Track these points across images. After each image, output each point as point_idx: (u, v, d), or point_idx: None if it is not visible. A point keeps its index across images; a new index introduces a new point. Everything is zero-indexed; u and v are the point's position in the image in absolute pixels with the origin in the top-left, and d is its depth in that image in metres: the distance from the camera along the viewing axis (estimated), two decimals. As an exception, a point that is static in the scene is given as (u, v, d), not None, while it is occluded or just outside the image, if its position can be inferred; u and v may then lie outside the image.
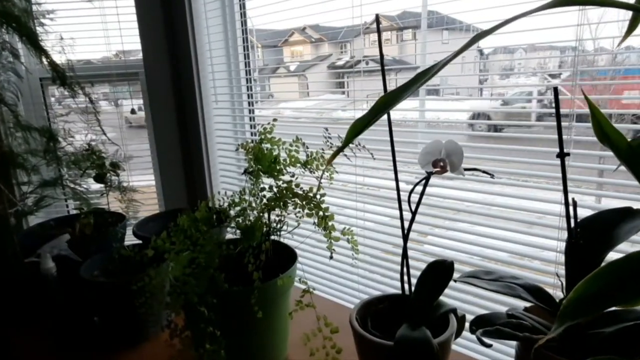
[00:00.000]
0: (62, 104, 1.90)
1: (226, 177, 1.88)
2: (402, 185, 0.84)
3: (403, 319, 0.78)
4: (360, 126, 0.43)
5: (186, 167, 1.90)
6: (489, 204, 1.19)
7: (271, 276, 0.92)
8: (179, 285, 0.84)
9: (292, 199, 0.90)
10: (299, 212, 0.89)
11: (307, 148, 1.02)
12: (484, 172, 0.78)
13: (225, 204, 1.07)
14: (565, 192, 0.66)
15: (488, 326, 0.64)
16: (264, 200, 0.97)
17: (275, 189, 0.97)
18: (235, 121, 1.84)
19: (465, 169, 0.75)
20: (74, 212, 1.46)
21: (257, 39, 1.86)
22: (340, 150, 0.47)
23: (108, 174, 1.24)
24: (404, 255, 0.83)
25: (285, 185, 0.95)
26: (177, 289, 0.84)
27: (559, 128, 0.65)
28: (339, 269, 1.55)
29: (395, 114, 1.49)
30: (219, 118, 1.83)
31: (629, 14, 0.53)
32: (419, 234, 1.36)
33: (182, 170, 1.90)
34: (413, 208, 0.80)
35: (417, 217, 0.99)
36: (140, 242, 1.30)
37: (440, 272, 0.80)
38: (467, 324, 0.78)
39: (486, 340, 0.63)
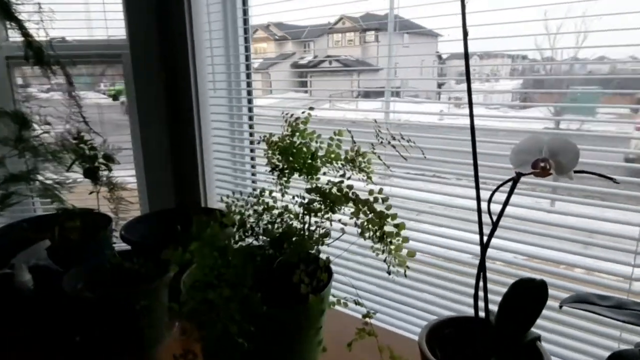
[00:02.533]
0: (37, 88, 1.67)
1: (221, 175, 1.69)
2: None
3: (481, 348, 0.64)
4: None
5: (175, 162, 1.69)
6: (450, 205, 1.20)
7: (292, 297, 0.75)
8: (211, 310, 0.66)
9: (346, 204, 0.74)
10: (354, 219, 0.73)
11: (355, 143, 0.87)
12: (602, 176, 0.65)
13: (246, 208, 0.90)
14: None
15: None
16: (304, 205, 0.81)
17: (314, 192, 0.81)
18: (232, 112, 1.66)
19: (576, 172, 0.63)
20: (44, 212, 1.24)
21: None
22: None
23: (100, 169, 1.04)
24: (481, 272, 0.70)
25: (330, 186, 0.80)
26: (207, 315, 0.66)
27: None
28: (382, 287, 1.33)
29: (358, 114, 1.44)
30: (216, 108, 1.64)
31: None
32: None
33: (170, 166, 1.70)
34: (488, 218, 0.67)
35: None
36: (128, 247, 1.12)
37: (531, 294, 0.67)
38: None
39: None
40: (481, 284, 0.71)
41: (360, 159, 0.87)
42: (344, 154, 0.88)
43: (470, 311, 0.75)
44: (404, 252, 0.71)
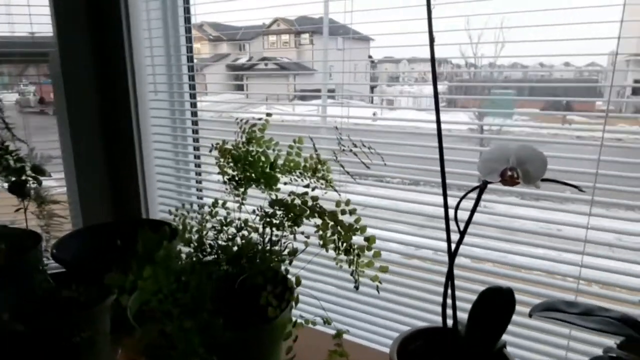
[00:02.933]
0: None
1: (164, 183, 1.58)
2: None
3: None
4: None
5: (111, 171, 1.56)
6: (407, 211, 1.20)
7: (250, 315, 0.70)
8: (170, 345, 0.59)
9: (311, 217, 0.70)
10: (320, 233, 0.69)
11: (316, 151, 0.83)
12: (571, 185, 0.65)
13: (203, 224, 0.83)
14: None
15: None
16: (265, 218, 0.76)
17: (277, 205, 0.76)
18: (175, 116, 1.56)
19: (543, 180, 0.63)
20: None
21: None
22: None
23: (29, 183, 0.91)
24: (449, 280, 0.69)
25: (293, 198, 0.75)
26: (165, 350, 0.59)
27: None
28: (352, 300, 1.29)
29: (295, 117, 1.45)
30: (157, 112, 1.53)
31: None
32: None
33: (105, 176, 1.56)
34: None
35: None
36: (61, 268, 1.00)
37: (499, 304, 0.67)
38: None
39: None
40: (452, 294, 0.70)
41: (320, 166, 0.83)
42: (303, 162, 0.84)
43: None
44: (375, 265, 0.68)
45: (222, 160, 0.86)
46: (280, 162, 0.84)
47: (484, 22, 1.02)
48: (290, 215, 0.72)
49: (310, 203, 0.73)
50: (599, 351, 0.75)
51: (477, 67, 1.21)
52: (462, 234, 0.68)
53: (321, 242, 0.70)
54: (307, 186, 0.80)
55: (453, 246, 0.69)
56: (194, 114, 1.53)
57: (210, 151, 0.90)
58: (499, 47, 1.09)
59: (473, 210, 0.67)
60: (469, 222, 0.67)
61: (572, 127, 1.12)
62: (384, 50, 1.24)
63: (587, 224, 0.95)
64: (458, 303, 0.71)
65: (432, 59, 0.67)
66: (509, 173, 0.62)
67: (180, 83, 1.52)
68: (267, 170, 0.82)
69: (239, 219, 0.82)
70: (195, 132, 1.54)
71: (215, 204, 0.85)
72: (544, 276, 1.05)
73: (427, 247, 1.18)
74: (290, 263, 0.77)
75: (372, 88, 1.66)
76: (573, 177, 1.00)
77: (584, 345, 0.97)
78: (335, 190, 0.84)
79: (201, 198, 1.53)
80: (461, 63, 1.28)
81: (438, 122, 0.67)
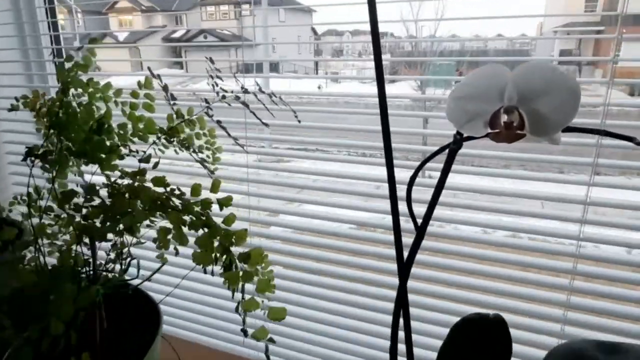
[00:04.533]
0: None
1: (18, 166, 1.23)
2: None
3: None
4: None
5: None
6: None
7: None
8: None
9: (151, 215, 0.46)
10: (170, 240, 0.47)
11: (174, 100, 0.60)
12: (621, 137, 0.41)
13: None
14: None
15: None
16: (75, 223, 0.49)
17: (90, 194, 0.50)
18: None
19: (568, 130, 0.39)
20: None
21: (75, 1, 1.47)
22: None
23: None
24: (401, 308, 0.49)
25: (125, 181, 0.50)
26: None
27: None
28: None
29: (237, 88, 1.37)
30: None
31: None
32: (269, 214, 1.08)
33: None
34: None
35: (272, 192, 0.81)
36: None
37: (487, 341, 0.45)
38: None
39: None
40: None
41: (196, 130, 0.59)
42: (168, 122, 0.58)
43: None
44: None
45: (39, 120, 0.59)
46: (116, 122, 0.57)
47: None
48: (109, 214, 0.45)
49: (151, 192, 0.47)
50: None
51: (417, 37, 1.23)
52: (421, 231, 0.46)
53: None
54: (146, 160, 0.56)
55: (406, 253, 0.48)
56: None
57: (11, 110, 0.60)
58: (438, 21, 1.12)
59: (438, 191, 0.45)
60: (430, 212, 0.46)
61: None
62: (327, 26, 1.22)
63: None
64: (420, 338, 0.61)
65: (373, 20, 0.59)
66: (505, 119, 0.37)
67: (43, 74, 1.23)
68: (92, 135, 0.52)
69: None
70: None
71: (30, 196, 0.56)
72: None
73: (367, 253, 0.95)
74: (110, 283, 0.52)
75: (316, 64, 1.65)
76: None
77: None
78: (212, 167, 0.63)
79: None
80: (402, 35, 1.30)
81: (381, 90, 0.57)
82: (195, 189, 0.48)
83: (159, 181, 0.47)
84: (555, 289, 0.79)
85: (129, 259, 0.57)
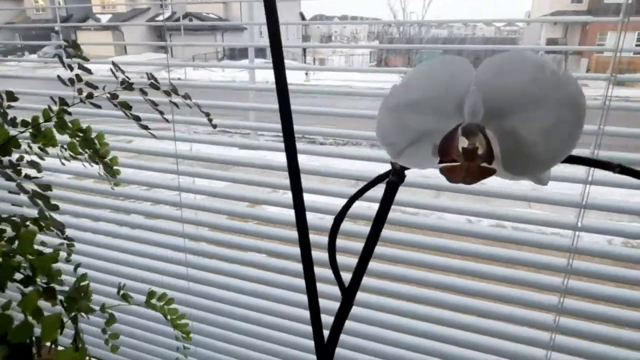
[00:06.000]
0: None
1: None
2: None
3: None
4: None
5: None
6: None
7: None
8: None
9: None
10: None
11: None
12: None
13: None
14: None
15: None
16: None
17: None
18: None
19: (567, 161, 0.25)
20: None
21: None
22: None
23: None
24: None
25: None
26: None
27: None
28: None
29: (225, 76, 1.25)
30: None
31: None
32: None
33: None
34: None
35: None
36: None
37: None
38: None
39: None
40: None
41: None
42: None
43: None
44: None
45: None
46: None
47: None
48: None
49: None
50: None
51: (406, 24, 1.23)
52: (349, 297, 0.34)
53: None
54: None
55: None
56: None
57: None
58: (427, 5, 1.11)
59: (372, 240, 0.32)
60: (360, 272, 0.33)
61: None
62: (315, 10, 1.20)
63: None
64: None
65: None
66: (465, 144, 0.22)
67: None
68: None
69: None
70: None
71: None
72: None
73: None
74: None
75: (304, 50, 1.64)
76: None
77: None
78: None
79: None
80: (391, 24, 1.31)
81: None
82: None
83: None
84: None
85: None
